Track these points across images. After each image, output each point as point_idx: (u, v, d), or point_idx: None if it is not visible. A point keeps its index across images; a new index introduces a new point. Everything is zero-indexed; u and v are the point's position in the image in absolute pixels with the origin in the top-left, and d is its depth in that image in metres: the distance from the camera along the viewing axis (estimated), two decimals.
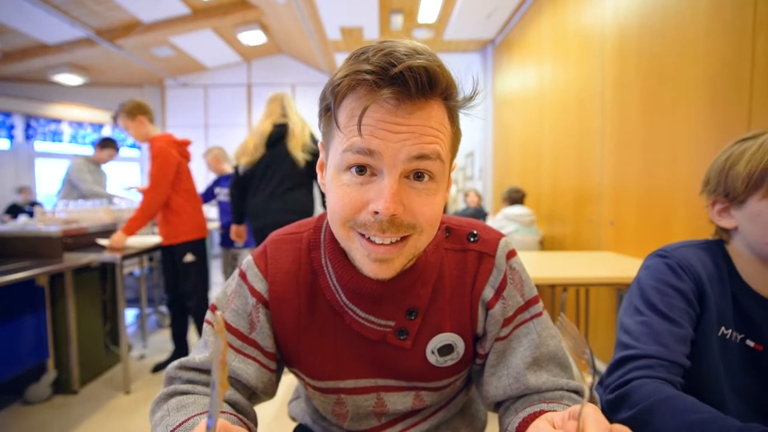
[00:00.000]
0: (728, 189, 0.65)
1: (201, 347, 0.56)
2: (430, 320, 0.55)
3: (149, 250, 2.34)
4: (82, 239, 2.11)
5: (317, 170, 0.53)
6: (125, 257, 2.06)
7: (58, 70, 5.81)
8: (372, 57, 0.41)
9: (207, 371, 0.53)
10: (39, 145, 6.42)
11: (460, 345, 0.56)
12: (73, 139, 6.65)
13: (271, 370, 0.57)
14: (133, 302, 3.16)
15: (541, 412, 0.47)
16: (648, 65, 2.10)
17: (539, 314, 0.56)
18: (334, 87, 0.43)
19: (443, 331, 0.55)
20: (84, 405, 1.93)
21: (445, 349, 0.55)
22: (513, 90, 4.37)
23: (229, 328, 0.55)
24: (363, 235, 0.46)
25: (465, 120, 0.51)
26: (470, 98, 0.46)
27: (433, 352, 0.55)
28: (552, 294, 1.85)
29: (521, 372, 0.53)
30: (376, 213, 0.43)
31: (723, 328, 0.65)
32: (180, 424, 0.45)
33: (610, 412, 0.59)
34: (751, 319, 0.65)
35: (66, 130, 6.54)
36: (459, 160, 6.50)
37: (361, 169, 0.44)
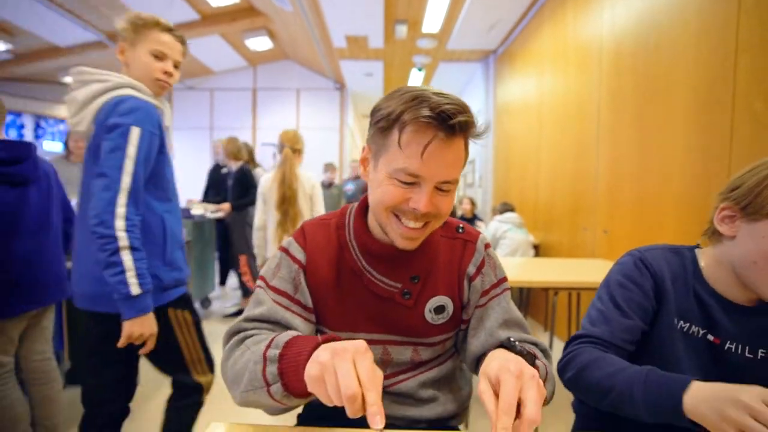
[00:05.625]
0: (753, 206, 0.65)
1: (253, 306, 0.69)
2: (428, 285, 0.72)
3: None
4: None
5: (360, 164, 0.69)
6: None
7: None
8: (432, 105, 0.57)
9: (268, 321, 0.66)
10: (47, 145, 6.55)
11: (450, 306, 0.73)
12: None
13: (311, 322, 0.72)
14: None
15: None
16: (642, 80, 2.20)
17: (507, 290, 0.76)
18: (400, 114, 0.59)
19: (438, 294, 0.72)
20: None
21: (439, 309, 0.73)
22: (513, 99, 4.47)
23: (278, 291, 0.69)
24: (398, 218, 0.64)
25: None
26: (481, 133, 0.63)
27: (430, 311, 0.72)
28: (545, 297, 1.93)
29: (494, 329, 0.71)
30: (415, 209, 0.61)
31: (681, 322, 0.74)
32: (271, 340, 0.55)
33: (560, 375, 0.76)
34: (712, 316, 0.73)
35: None
36: None
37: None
